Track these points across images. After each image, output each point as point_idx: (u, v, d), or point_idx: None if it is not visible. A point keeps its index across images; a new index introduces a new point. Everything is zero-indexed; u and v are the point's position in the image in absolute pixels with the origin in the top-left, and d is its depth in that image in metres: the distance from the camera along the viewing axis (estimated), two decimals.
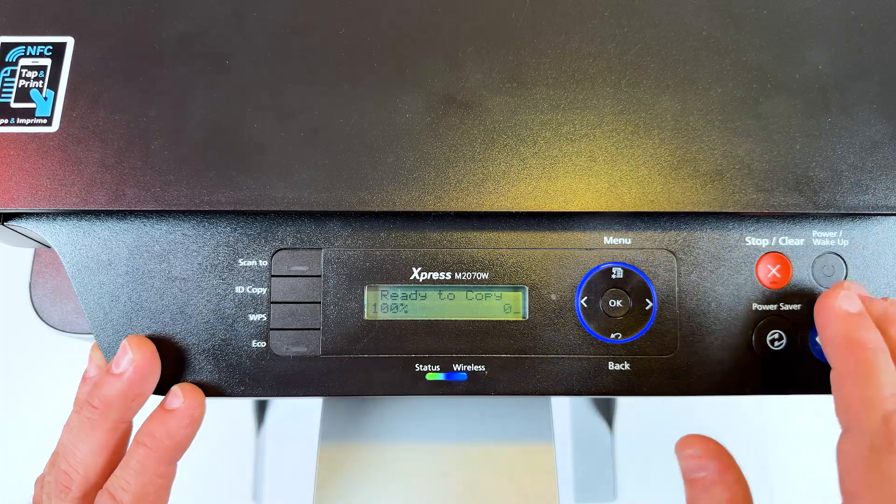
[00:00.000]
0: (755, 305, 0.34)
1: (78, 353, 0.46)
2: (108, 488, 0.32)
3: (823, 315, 0.30)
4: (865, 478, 0.26)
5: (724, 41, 0.34)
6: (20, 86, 0.33)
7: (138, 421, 0.34)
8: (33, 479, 0.36)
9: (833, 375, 0.29)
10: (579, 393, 0.35)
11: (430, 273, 0.35)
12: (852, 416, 0.27)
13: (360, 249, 0.35)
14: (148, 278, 0.34)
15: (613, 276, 0.35)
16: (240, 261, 0.34)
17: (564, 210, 0.32)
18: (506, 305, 0.35)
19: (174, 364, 0.34)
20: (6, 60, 0.34)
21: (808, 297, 0.35)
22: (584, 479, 0.57)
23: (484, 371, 0.34)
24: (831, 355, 0.29)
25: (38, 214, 0.34)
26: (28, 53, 0.34)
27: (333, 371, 0.34)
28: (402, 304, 0.35)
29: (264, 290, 0.34)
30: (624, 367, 0.34)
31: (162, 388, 0.33)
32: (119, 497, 0.31)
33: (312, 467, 0.43)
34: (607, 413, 0.60)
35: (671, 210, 0.32)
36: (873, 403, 0.27)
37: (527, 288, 0.35)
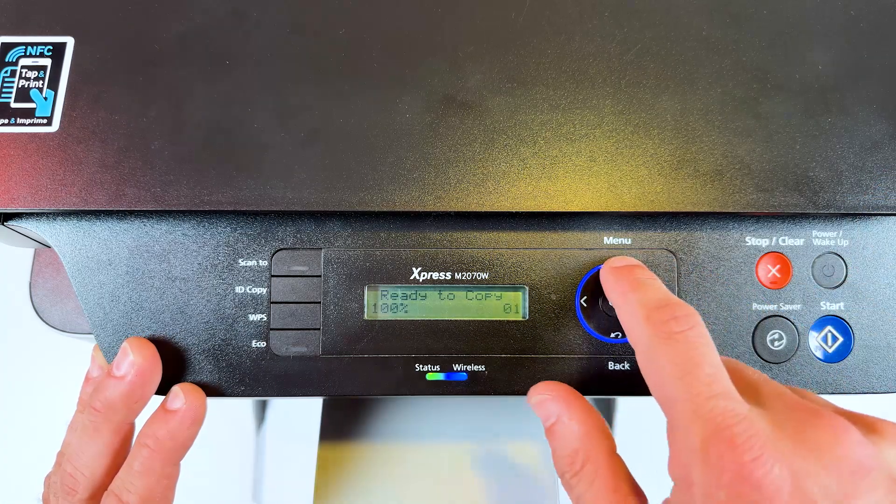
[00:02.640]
0: (755, 305, 0.34)
1: (78, 353, 0.46)
2: (114, 490, 0.32)
3: (603, 276, 0.33)
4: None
5: (724, 41, 0.34)
6: (20, 86, 0.33)
7: (140, 420, 0.34)
8: (34, 479, 0.36)
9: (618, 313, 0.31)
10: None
11: (430, 273, 0.35)
12: (630, 326, 0.29)
13: (360, 249, 0.35)
14: (148, 278, 0.34)
15: None
16: (240, 261, 0.34)
17: (564, 210, 0.32)
18: (506, 305, 0.35)
19: (175, 364, 0.34)
20: (6, 60, 0.34)
21: (808, 298, 0.35)
22: None
23: (484, 371, 0.34)
24: (609, 294, 0.32)
25: (38, 214, 0.34)
26: (28, 53, 0.34)
27: (333, 371, 0.34)
28: (402, 304, 0.35)
29: (264, 290, 0.34)
30: (624, 367, 0.34)
31: (163, 389, 0.33)
32: (125, 499, 0.31)
33: (312, 467, 0.43)
34: (607, 413, 0.60)
35: (671, 210, 0.32)
36: (641, 307, 0.28)
37: (527, 288, 0.35)
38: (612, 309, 0.34)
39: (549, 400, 0.31)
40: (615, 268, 0.32)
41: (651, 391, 0.27)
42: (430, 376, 0.34)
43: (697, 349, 0.26)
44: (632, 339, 0.29)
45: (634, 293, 0.29)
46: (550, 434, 0.30)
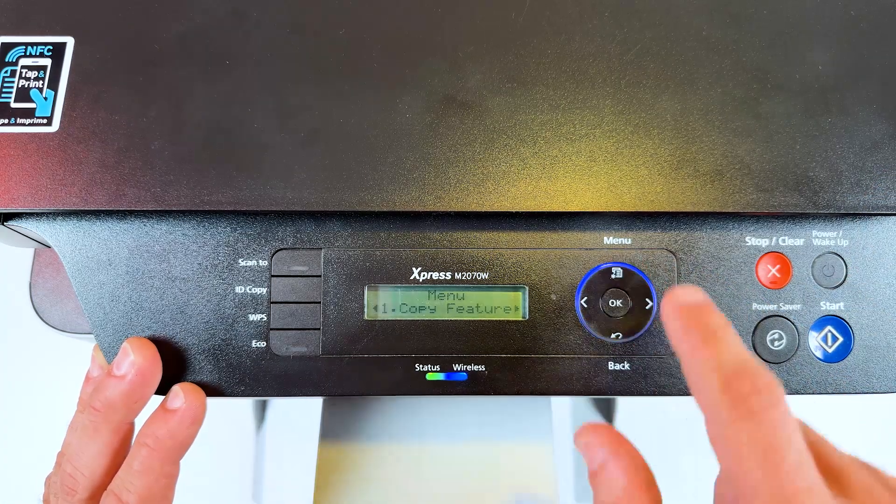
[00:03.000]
0: (755, 305, 0.34)
1: (78, 353, 0.46)
2: (114, 489, 0.32)
3: (666, 312, 0.28)
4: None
5: (724, 41, 0.34)
6: (20, 86, 0.33)
7: (140, 420, 0.34)
8: (34, 480, 0.36)
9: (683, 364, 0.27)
10: (579, 393, 0.35)
11: (430, 273, 0.35)
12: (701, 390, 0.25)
13: (360, 249, 0.35)
14: (148, 278, 0.34)
15: (613, 276, 0.35)
16: (240, 261, 0.34)
17: (564, 210, 0.32)
18: (506, 305, 0.35)
19: (175, 364, 0.34)
20: (6, 60, 0.34)
21: (808, 297, 0.35)
22: (584, 479, 0.57)
23: (484, 371, 0.34)
24: (673, 339, 0.27)
25: (38, 214, 0.34)
26: (28, 53, 0.34)
27: (333, 371, 0.34)
28: (402, 305, 0.35)
29: (264, 290, 0.34)
30: (624, 367, 0.34)
31: (163, 388, 0.33)
32: (125, 498, 0.31)
33: (312, 467, 0.43)
34: (607, 413, 0.60)
35: (671, 210, 0.32)
36: (716, 364, 0.25)
37: (527, 288, 0.35)
38: (612, 309, 0.34)
39: (596, 445, 0.28)
40: (684, 308, 0.27)
41: (720, 463, 0.25)
42: (430, 376, 0.34)
43: (782, 432, 0.23)
44: (701, 404, 0.25)
45: (707, 349, 0.25)
46: (594, 479, 0.28)
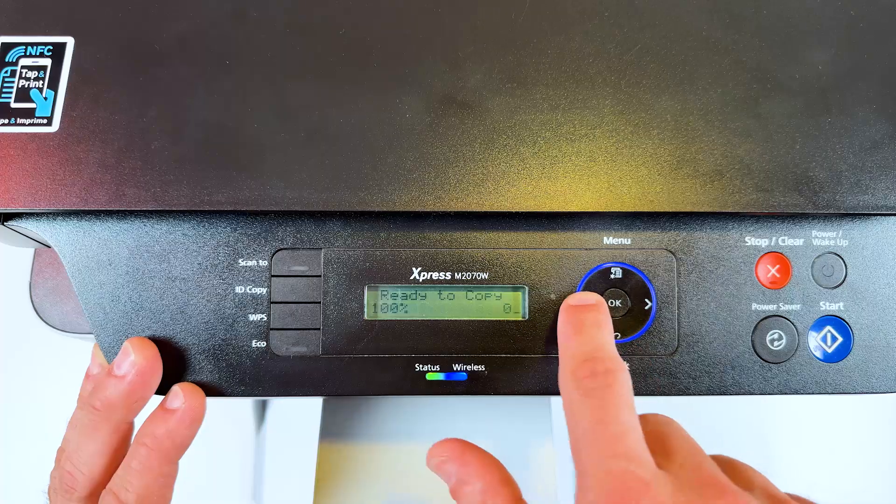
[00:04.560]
0: (755, 305, 0.34)
1: (78, 353, 0.46)
2: (112, 488, 0.32)
3: (561, 307, 0.32)
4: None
5: (724, 41, 0.34)
6: (20, 86, 0.33)
7: (139, 419, 0.34)
8: (34, 478, 0.36)
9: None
10: None
11: (430, 273, 0.35)
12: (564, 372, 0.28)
13: (360, 249, 0.35)
14: (148, 278, 0.34)
15: (613, 276, 0.35)
16: (240, 261, 0.34)
17: (564, 210, 0.32)
18: (506, 305, 0.35)
19: (174, 364, 0.34)
20: (6, 60, 0.34)
21: (807, 298, 0.35)
22: None
23: (484, 371, 0.34)
24: (558, 334, 0.32)
25: (38, 214, 0.34)
26: (28, 53, 0.34)
27: (333, 371, 0.34)
28: (402, 304, 0.35)
29: (264, 290, 0.34)
30: None
31: (162, 388, 0.33)
32: (123, 497, 0.31)
33: (312, 467, 0.43)
34: None
35: (671, 210, 0.32)
36: (579, 353, 0.28)
37: (527, 288, 0.35)
38: (612, 309, 0.34)
39: (445, 461, 0.30)
40: (570, 306, 0.32)
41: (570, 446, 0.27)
42: (430, 376, 0.34)
43: (607, 406, 0.26)
44: (560, 388, 0.29)
45: (571, 340, 0.30)
46: (454, 494, 0.29)
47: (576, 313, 0.31)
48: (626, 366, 0.28)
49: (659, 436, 0.27)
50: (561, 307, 0.32)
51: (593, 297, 0.33)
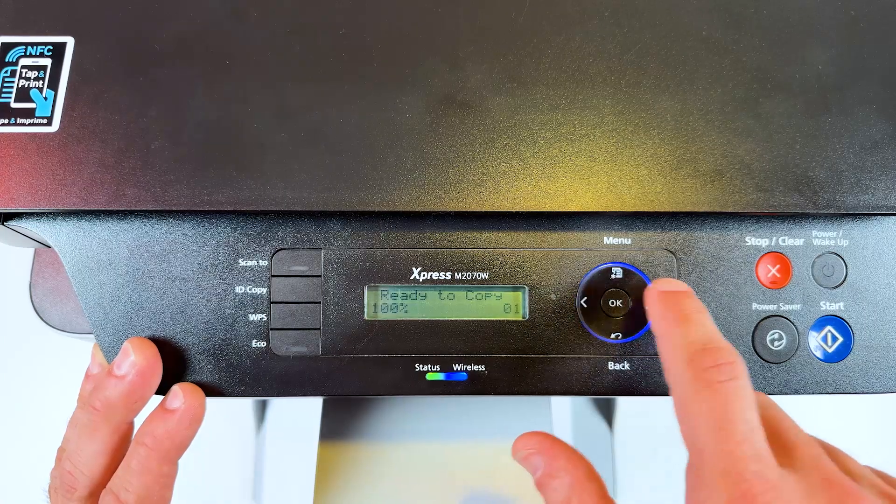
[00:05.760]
0: (755, 305, 0.34)
1: (78, 352, 0.46)
2: (112, 488, 0.32)
3: (647, 298, 0.31)
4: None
5: (724, 41, 0.34)
6: (20, 86, 0.33)
7: (139, 419, 0.34)
8: (34, 478, 0.36)
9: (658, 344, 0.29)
10: (579, 393, 0.35)
11: (430, 273, 0.35)
12: (670, 363, 0.28)
13: (360, 249, 0.35)
14: (148, 278, 0.34)
15: (613, 276, 0.35)
16: (240, 261, 0.34)
17: (564, 210, 0.32)
18: (506, 305, 0.35)
19: (174, 364, 0.34)
20: (6, 60, 0.34)
21: (808, 298, 0.35)
22: None
23: (484, 371, 0.34)
24: (652, 320, 0.30)
25: (38, 214, 0.34)
26: (28, 53, 0.34)
27: (333, 371, 0.34)
28: (402, 304, 0.35)
29: (264, 290, 0.34)
30: (624, 367, 0.34)
31: (162, 388, 0.33)
32: (123, 497, 0.31)
33: (312, 467, 0.43)
34: (607, 413, 0.60)
35: (671, 210, 0.32)
36: (684, 345, 0.27)
37: (527, 288, 0.35)
38: (612, 309, 0.34)
39: (533, 454, 0.30)
40: (663, 292, 0.30)
41: (682, 436, 0.26)
42: (430, 376, 0.34)
43: (735, 403, 0.25)
44: (669, 377, 0.27)
45: (679, 327, 0.28)
46: (540, 486, 0.30)
47: (674, 300, 0.29)
48: (742, 358, 0.27)
49: (775, 427, 0.27)
50: (648, 295, 0.31)
51: (683, 284, 0.31)
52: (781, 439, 0.27)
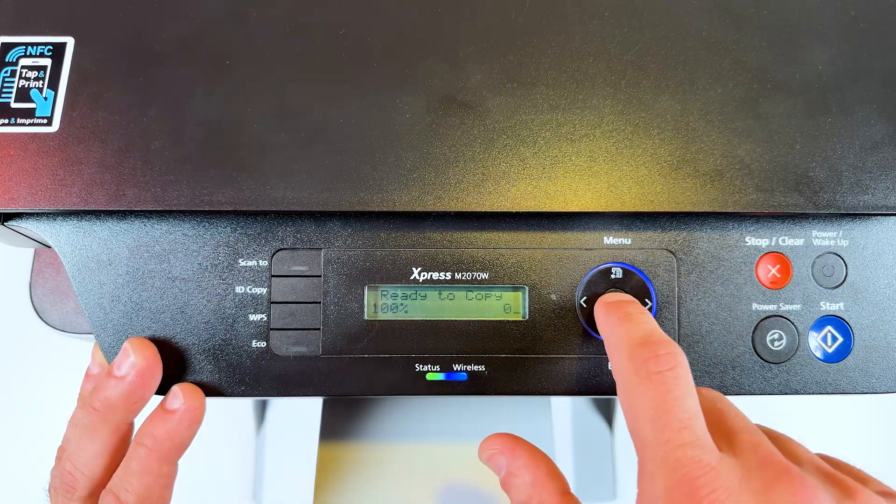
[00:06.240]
0: (755, 305, 0.34)
1: (79, 353, 0.46)
2: (112, 489, 0.32)
3: (596, 308, 0.33)
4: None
5: (724, 41, 0.34)
6: (20, 86, 0.33)
7: (139, 419, 0.34)
8: (34, 478, 0.36)
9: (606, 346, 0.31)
10: (579, 393, 0.35)
11: (430, 273, 0.35)
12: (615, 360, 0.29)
13: (360, 249, 0.35)
14: (148, 278, 0.34)
15: (613, 276, 0.35)
16: (240, 261, 0.34)
17: (564, 210, 0.32)
18: (506, 305, 0.35)
19: (174, 364, 0.34)
20: (6, 60, 0.34)
21: (808, 298, 0.35)
22: (584, 479, 0.57)
23: (484, 371, 0.34)
24: (600, 327, 0.32)
25: (38, 214, 0.34)
26: (28, 53, 0.34)
27: (333, 371, 0.34)
28: (402, 304, 0.35)
29: (264, 290, 0.34)
30: None
31: (162, 388, 0.33)
32: (123, 498, 0.31)
33: (312, 467, 0.43)
34: (607, 413, 0.60)
35: (671, 210, 0.32)
36: (628, 340, 0.28)
37: (527, 288, 0.35)
38: None
39: (496, 454, 0.31)
40: (607, 302, 0.32)
41: (629, 431, 0.27)
42: (430, 376, 0.34)
43: (673, 392, 0.26)
44: (615, 373, 0.29)
45: (621, 327, 0.29)
46: (505, 486, 0.30)
47: (617, 306, 0.31)
48: (681, 350, 0.27)
49: (716, 415, 0.27)
50: (597, 307, 0.33)
51: (628, 296, 0.33)
52: (724, 426, 0.27)
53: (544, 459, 0.30)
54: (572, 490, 0.30)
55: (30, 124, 0.33)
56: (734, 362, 0.34)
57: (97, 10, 0.34)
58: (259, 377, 0.34)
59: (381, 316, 0.34)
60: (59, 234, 0.34)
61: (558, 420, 0.56)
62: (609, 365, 0.32)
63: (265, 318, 0.34)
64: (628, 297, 0.33)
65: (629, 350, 0.28)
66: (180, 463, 0.34)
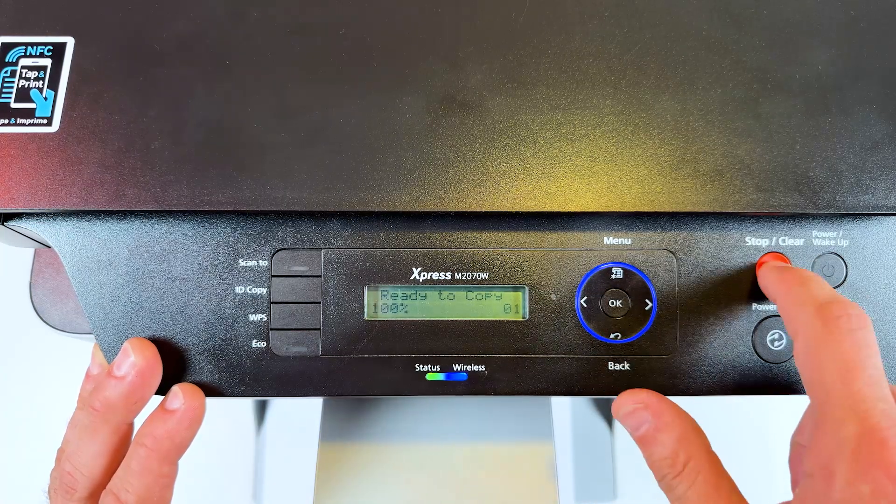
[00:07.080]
0: (755, 305, 0.34)
1: (79, 353, 0.46)
2: (112, 489, 0.32)
3: (762, 270, 0.34)
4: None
5: (724, 41, 0.34)
6: (20, 86, 0.33)
7: (139, 419, 0.34)
8: (34, 479, 0.36)
9: (775, 298, 0.32)
10: (579, 393, 0.35)
11: (430, 273, 0.35)
12: (792, 314, 0.29)
13: (360, 249, 0.35)
14: (148, 278, 0.34)
15: (613, 277, 0.35)
16: (240, 261, 0.34)
17: (564, 210, 0.32)
18: (506, 305, 0.35)
19: (174, 364, 0.34)
20: (6, 60, 0.34)
21: None
22: (584, 479, 0.57)
23: (484, 371, 0.34)
24: (771, 286, 0.32)
25: (38, 214, 0.34)
26: (28, 53, 0.34)
27: (333, 371, 0.34)
28: (402, 305, 0.35)
29: (264, 291, 0.34)
30: (624, 367, 0.34)
31: (162, 388, 0.33)
32: (123, 498, 0.31)
33: (312, 467, 0.43)
34: (607, 413, 0.60)
35: (671, 210, 0.32)
36: (808, 298, 0.29)
37: (527, 288, 0.35)
38: (612, 309, 0.34)
39: (640, 409, 0.32)
40: (776, 266, 0.33)
41: (804, 380, 0.28)
42: (430, 376, 0.34)
43: (864, 350, 0.27)
44: (794, 328, 0.29)
45: (802, 286, 0.30)
46: (645, 440, 0.31)
47: (790, 268, 0.32)
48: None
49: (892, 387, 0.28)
50: (766, 270, 0.33)
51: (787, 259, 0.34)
52: None
53: (689, 417, 0.31)
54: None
55: (30, 124, 0.33)
56: (734, 362, 0.34)
57: (97, 10, 0.34)
58: (259, 377, 0.34)
59: (382, 316, 0.34)
60: (59, 234, 0.34)
61: (558, 420, 0.56)
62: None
63: (265, 319, 0.34)
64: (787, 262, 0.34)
65: (816, 307, 0.28)
66: (180, 463, 0.34)
